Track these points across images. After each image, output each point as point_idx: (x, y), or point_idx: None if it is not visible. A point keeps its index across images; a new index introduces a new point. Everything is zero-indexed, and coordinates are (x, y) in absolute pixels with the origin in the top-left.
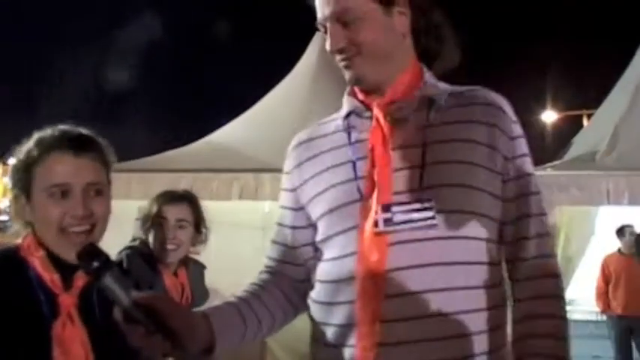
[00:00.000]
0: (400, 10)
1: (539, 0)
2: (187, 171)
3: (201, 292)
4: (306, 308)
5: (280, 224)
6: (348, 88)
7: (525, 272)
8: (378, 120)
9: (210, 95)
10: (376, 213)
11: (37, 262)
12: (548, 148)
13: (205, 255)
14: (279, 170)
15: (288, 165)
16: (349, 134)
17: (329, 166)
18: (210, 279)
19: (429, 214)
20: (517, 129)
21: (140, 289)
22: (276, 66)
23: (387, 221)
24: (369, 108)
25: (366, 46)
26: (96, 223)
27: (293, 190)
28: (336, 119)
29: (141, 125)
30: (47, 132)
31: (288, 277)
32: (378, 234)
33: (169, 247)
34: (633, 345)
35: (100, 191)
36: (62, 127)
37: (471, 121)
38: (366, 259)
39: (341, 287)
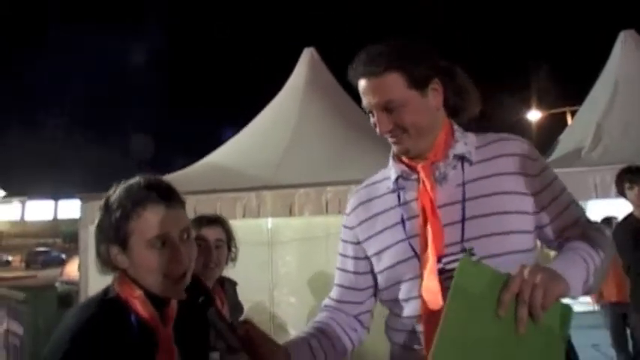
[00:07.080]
0: (433, 87)
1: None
2: (189, 193)
3: (236, 307)
4: (360, 339)
5: (343, 270)
6: (392, 153)
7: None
8: (424, 182)
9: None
10: (438, 262)
11: (137, 302)
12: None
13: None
14: (277, 187)
15: (350, 221)
16: (399, 196)
17: (384, 228)
18: None
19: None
20: (538, 165)
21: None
22: (264, 87)
23: (442, 271)
24: (414, 170)
25: (409, 127)
26: (191, 264)
27: (357, 243)
28: (387, 180)
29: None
30: (132, 185)
31: (345, 313)
32: (439, 281)
33: (211, 266)
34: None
35: (190, 234)
36: (143, 178)
37: (499, 174)
38: (430, 302)
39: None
